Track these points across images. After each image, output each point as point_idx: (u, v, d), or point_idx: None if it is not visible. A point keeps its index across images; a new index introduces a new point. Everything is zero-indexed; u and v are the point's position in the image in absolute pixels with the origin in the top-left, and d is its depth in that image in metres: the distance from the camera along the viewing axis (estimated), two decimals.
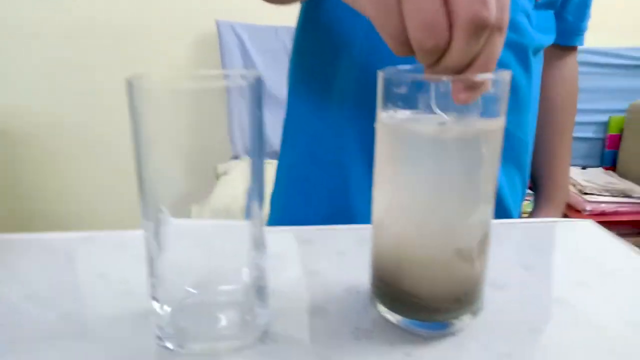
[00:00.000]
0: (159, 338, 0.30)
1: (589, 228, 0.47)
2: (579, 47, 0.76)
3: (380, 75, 0.28)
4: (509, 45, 0.56)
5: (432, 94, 0.27)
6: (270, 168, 0.73)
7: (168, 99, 0.26)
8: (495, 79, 0.27)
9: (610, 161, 1.85)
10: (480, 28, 0.24)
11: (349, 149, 0.57)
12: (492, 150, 0.28)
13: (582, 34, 0.73)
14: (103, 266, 0.40)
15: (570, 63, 0.76)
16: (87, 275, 0.38)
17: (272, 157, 1.82)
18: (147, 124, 0.26)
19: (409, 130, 0.27)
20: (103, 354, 0.29)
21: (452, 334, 0.31)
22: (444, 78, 0.26)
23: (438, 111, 0.27)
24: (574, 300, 0.34)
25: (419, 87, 0.27)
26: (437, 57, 0.25)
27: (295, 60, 0.64)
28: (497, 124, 0.28)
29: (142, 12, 1.72)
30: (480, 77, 0.26)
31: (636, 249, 0.42)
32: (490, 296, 0.35)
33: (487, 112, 0.28)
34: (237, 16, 1.71)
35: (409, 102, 0.28)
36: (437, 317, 0.31)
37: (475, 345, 0.30)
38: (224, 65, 1.70)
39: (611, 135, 1.84)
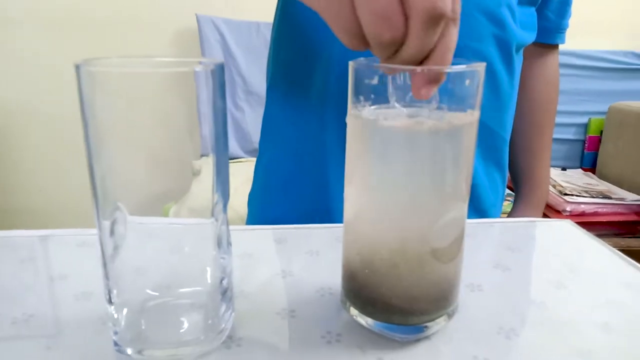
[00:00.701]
0: (116, 344, 0.28)
1: (566, 228, 0.46)
2: (560, 50, 0.76)
3: (351, 66, 0.27)
4: (494, 40, 0.55)
5: (390, 87, 0.25)
6: (252, 166, 0.71)
7: (123, 84, 0.24)
8: (470, 71, 0.26)
9: (589, 163, 1.87)
10: (437, 19, 0.23)
11: (330, 147, 0.56)
12: (467, 145, 0.27)
13: (564, 32, 0.72)
14: (63, 266, 0.38)
15: (551, 61, 0.75)
16: (46, 276, 0.36)
17: (253, 155, 1.80)
18: (99, 112, 0.24)
19: (380, 124, 0.26)
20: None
21: (427, 337, 0.30)
22: (419, 69, 0.25)
23: (397, 105, 0.26)
24: (549, 301, 0.34)
25: (391, 78, 0.26)
26: (394, 50, 0.24)
27: (273, 57, 0.62)
28: (471, 117, 0.27)
29: (121, 5, 1.69)
30: (454, 68, 0.25)
31: (613, 249, 0.41)
32: (466, 297, 0.34)
33: (461, 104, 0.26)
34: (218, 11, 1.69)
35: (380, 94, 0.26)
36: (411, 320, 0.29)
37: (450, 349, 0.29)
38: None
39: (591, 137, 1.86)
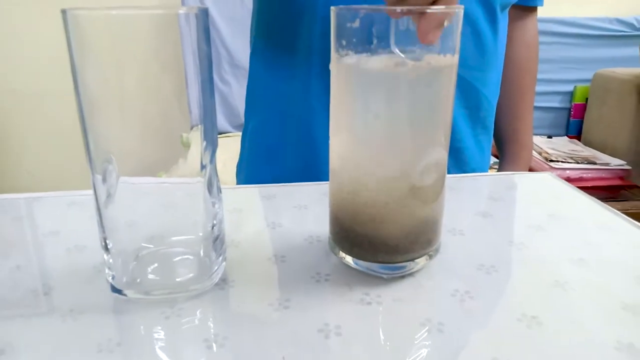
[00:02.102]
0: (114, 287, 0.29)
1: (547, 179, 0.48)
2: (544, 17, 0.76)
3: (333, 12, 0.28)
4: (480, 1, 0.55)
5: (392, 34, 0.26)
6: (240, 141, 0.71)
7: (106, 28, 0.24)
8: (450, 12, 0.27)
9: (575, 130, 1.89)
10: None
11: (316, 108, 0.56)
12: (446, 88, 0.28)
13: None
14: (54, 225, 0.38)
15: (531, 24, 0.76)
16: (38, 233, 0.37)
17: (240, 130, 1.80)
18: (86, 58, 0.25)
19: (361, 68, 0.27)
20: (60, 304, 0.28)
21: (410, 274, 0.31)
22: (398, 9, 0.25)
23: (397, 51, 0.27)
24: (529, 242, 0.35)
25: (371, 22, 0.27)
26: None
27: (256, 22, 0.62)
28: (451, 61, 0.28)
29: None
30: (433, 9, 0.26)
31: (591, 197, 0.43)
32: (449, 241, 0.35)
33: (441, 48, 0.27)
34: None
35: (362, 39, 0.27)
36: (395, 259, 0.31)
37: (431, 284, 0.30)
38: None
39: (576, 105, 1.88)
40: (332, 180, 0.33)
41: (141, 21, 0.24)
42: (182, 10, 0.24)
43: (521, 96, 0.77)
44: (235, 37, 1.66)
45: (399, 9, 0.25)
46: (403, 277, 0.31)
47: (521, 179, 0.49)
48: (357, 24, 0.27)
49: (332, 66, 0.30)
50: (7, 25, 1.67)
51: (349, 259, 0.32)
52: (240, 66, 1.67)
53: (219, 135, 0.31)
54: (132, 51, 0.25)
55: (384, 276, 0.31)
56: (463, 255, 0.34)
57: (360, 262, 0.31)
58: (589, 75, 1.81)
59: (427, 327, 0.27)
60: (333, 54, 0.29)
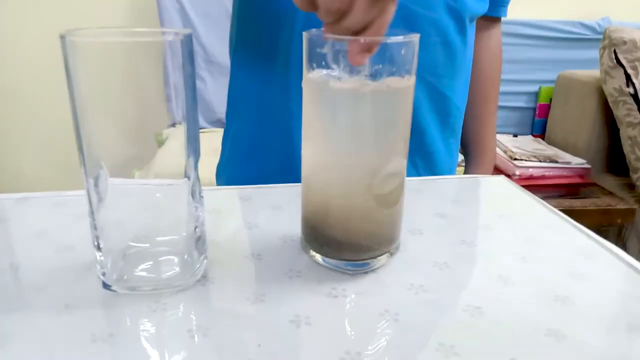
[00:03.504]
0: (104, 284, 0.32)
1: (501, 183, 0.52)
2: (512, 20, 0.81)
3: (305, 36, 0.31)
4: (448, 11, 0.59)
5: (331, 54, 0.30)
6: (215, 137, 0.74)
7: (100, 53, 0.27)
8: (407, 41, 0.30)
9: (540, 129, 1.97)
10: None
11: (295, 113, 0.59)
12: (404, 105, 0.32)
13: (506, 6, 0.77)
14: (42, 225, 0.41)
15: (495, 34, 0.80)
16: (27, 233, 0.39)
17: (216, 126, 1.81)
18: (81, 79, 0.28)
19: (329, 87, 0.30)
20: (55, 299, 0.31)
21: (373, 271, 0.35)
22: (361, 39, 0.29)
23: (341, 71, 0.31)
24: (478, 240, 0.40)
25: (339, 46, 0.30)
26: (337, 18, 0.28)
27: (237, 28, 0.65)
28: (408, 82, 0.31)
29: None
30: (393, 39, 0.29)
31: (538, 198, 0.48)
32: (408, 240, 0.39)
33: (399, 71, 0.31)
34: None
35: (330, 62, 0.30)
36: (359, 257, 0.35)
37: (391, 279, 0.34)
38: (162, 27, 1.65)
39: (541, 105, 1.96)
40: (303, 185, 0.36)
41: (131, 48, 0.27)
42: (169, 38, 0.27)
43: (485, 102, 0.81)
44: (210, 33, 1.67)
45: (361, 39, 0.29)
46: (366, 273, 0.35)
47: (478, 182, 0.53)
48: (325, 49, 0.30)
49: (304, 83, 0.33)
50: None
51: (318, 257, 0.35)
52: (215, 62, 1.68)
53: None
54: (121, 73, 0.28)
55: (349, 272, 0.35)
56: (421, 252, 0.38)
57: (328, 260, 0.35)
58: (553, 76, 1.88)
59: (385, 317, 0.30)
60: (305, 73, 0.33)
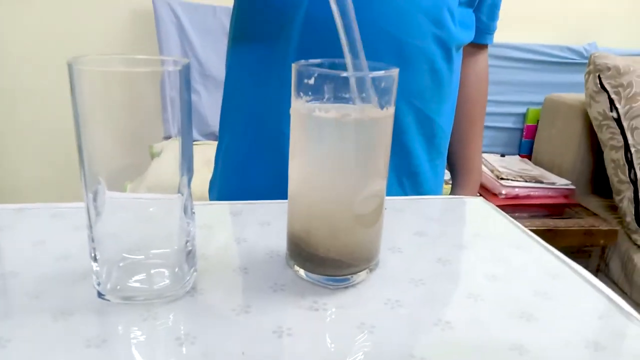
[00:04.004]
0: (99, 293, 0.34)
1: (479, 204, 0.55)
2: (502, 43, 0.83)
3: (294, 68, 0.34)
4: (436, 41, 0.62)
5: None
6: (209, 149, 0.76)
7: (104, 80, 0.30)
8: (387, 75, 0.33)
9: (527, 150, 2.02)
10: None
11: (287, 136, 0.61)
12: (383, 133, 0.34)
13: (493, 34, 0.80)
14: (40, 235, 0.43)
15: (482, 60, 0.83)
16: (23, 243, 0.41)
17: (209, 138, 1.83)
18: (85, 103, 0.30)
19: (315, 116, 0.33)
20: (51, 306, 0.33)
21: (353, 286, 0.37)
22: (344, 74, 0.32)
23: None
24: (452, 259, 0.42)
25: (324, 78, 0.33)
26: None
27: (233, 41, 0.67)
28: (387, 112, 0.34)
29: None
30: (374, 73, 0.32)
31: (511, 218, 0.50)
32: (388, 257, 0.42)
33: (379, 101, 0.34)
34: None
35: (316, 90, 0.33)
36: (340, 272, 0.37)
37: (370, 294, 0.37)
38: (160, 43, 1.68)
39: (528, 126, 2.01)
40: (289, 203, 0.38)
41: (133, 76, 0.30)
42: (169, 68, 0.30)
43: (471, 125, 0.84)
44: (206, 48, 1.70)
45: (344, 74, 0.31)
46: (347, 287, 0.37)
47: (458, 203, 0.56)
48: (312, 81, 0.33)
49: (292, 110, 0.36)
50: None
51: (301, 272, 0.38)
52: (211, 76, 1.71)
53: None
54: (122, 96, 0.31)
55: (331, 287, 0.37)
56: (399, 269, 0.40)
57: (311, 275, 0.37)
58: (540, 98, 1.94)
59: (362, 330, 0.33)
60: (293, 100, 0.35)
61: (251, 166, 0.66)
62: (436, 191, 0.73)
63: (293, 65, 0.34)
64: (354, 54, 0.33)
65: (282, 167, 0.66)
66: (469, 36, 0.70)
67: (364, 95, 0.33)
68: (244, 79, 0.66)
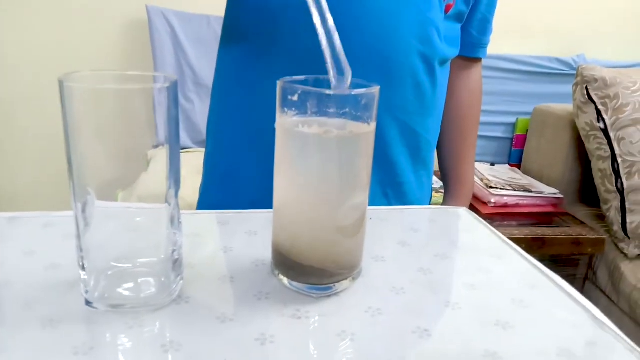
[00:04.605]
0: (87, 301, 0.35)
1: (461, 213, 0.57)
2: (492, 54, 0.83)
3: (278, 85, 0.35)
4: (419, 56, 0.63)
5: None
6: (200, 157, 0.77)
7: (94, 97, 0.31)
8: (367, 93, 0.34)
9: (516, 159, 2.04)
10: None
11: (272, 149, 0.62)
12: (366, 148, 0.36)
13: (485, 47, 0.81)
14: (31, 244, 0.43)
15: (474, 73, 0.83)
16: (14, 252, 0.42)
17: (201, 146, 1.84)
18: (75, 118, 0.31)
19: (299, 131, 0.34)
20: (40, 314, 0.34)
21: (335, 294, 0.38)
22: (327, 92, 0.33)
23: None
24: (433, 268, 0.43)
25: (308, 95, 0.34)
26: None
27: (222, 42, 0.68)
28: (369, 128, 0.35)
29: None
30: (356, 91, 0.33)
31: (492, 228, 0.52)
32: (370, 266, 0.43)
33: (361, 117, 0.35)
34: (168, 3, 1.71)
35: (300, 106, 0.34)
36: (323, 281, 0.38)
37: (352, 302, 0.38)
38: (154, 52, 1.69)
39: (518, 136, 2.03)
40: (275, 215, 0.40)
41: (122, 93, 0.31)
42: (158, 85, 0.31)
43: (463, 139, 0.85)
44: (200, 57, 1.71)
45: (327, 91, 0.33)
46: (329, 296, 0.38)
47: (441, 213, 0.58)
48: (295, 97, 0.34)
49: (277, 125, 0.37)
50: None
51: (285, 281, 0.39)
52: (204, 85, 1.72)
53: (180, 151, 0.37)
54: (114, 111, 0.32)
55: (314, 295, 0.38)
56: (381, 278, 0.41)
57: (294, 284, 0.38)
58: (530, 108, 1.96)
59: (342, 338, 0.34)
60: (278, 116, 0.36)
61: (235, 171, 0.67)
62: (422, 201, 0.74)
63: (278, 82, 0.35)
64: (335, 59, 0.34)
65: (268, 173, 0.67)
66: (453, 51, 0.71)
67: (346, 110, 0.35)
68: (230, 80, 0.67)
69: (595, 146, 1.59)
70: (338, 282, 0.38)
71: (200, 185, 0.75)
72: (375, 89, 0.35)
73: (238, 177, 0.67)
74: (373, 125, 0.36)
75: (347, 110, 0.35)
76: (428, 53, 0.63)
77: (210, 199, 0.71)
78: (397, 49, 0.61)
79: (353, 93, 0.33)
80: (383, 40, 0.60)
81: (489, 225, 0.53)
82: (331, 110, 0.34)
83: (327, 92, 0.32)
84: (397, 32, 0.60)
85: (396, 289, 0.40)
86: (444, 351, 0.33)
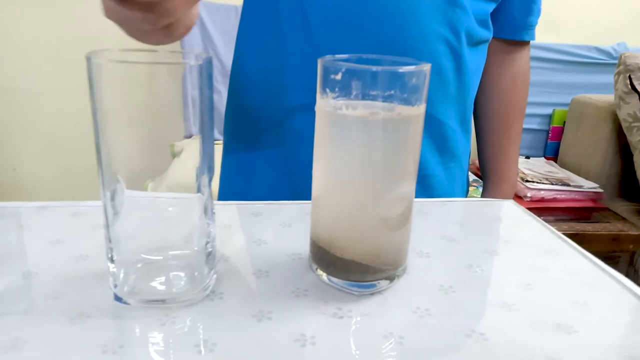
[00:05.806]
0: (116, 296, 0.33)
1: (508, 206, 0.53)
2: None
3: (320, 63, 0.32)
4: (441, 40, 0.58)
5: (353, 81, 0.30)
6: None
7: (123, 74, 0.28)
8: (416, 70, 0.31)
9: (552, 152, 1.97)
10: None
11: (295, 133, 0.60)
12: (414, 132, 0.33)
13: (531, 29, 0.73)
14: (59, 234, 0.42)
15: (520, 58, 0.76)
16: (42, 241, 0.41)
17: None
18: (104, 99, 0.29)
19: (342, 114, 0.31)
20: (68, 308, 0.32)
21: (379, 292, 0.36)
22: (374, 68, 0.30)
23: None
24: (484, 265, 0.40)
25: (352, 74, 0.31)
26: None
27: (240, 28, 0.67)
28: (418, 110, 0.32)
29: None
30: (404, 68, 0.30)
31: (544, 222, 0.48)
32: (415, 262, 0.40)
33: (409, 99, 0.32)
34: None
35: (343, 88, 0.31)
36: (365, 278, 0.35)
37: (397, 301, 0.35)
38: (182, 42, 1.68)
39: (554, 127, 1.96)
40: (313, 205, 0.37)
41: (153, 70, 0.28)
42: (191, 62, 0.28)
43: (505, 130, 0.78)
44: (227, 48, 1.70)
45: (374, 68, 0.30)
46: (372, 294, 0.35)
47: (485, 206, 0.54)
48: (339, 76, 0.31)
49: (317, 108, 0.34)
50: None
51: (324, 277, 0.36)
52: None
53: None
54: (142, 91, 0.30)
55: (355, 293, 0.35)
56: (427, 276, 0.38)
57: (335, 280, 0.35)
58: (567, 99, 1.88)
59: (389, 340, 0.31)
60: (318, 98, 0.34)
61: (250, 164, 0.65)
62: (452, 195, 0.69)
63: (319, 60, 0.32)
64: None
65: (289, 171, 0.65)
66: (485, 33, 0.65)
67: (392, 92, 0.32)
68: (248, 66, 0.65)
69: (638, 138, 1.51)
70: (381, 279, 0.35)
71: (220, 177, 0.73)
72: (427, 66, 0.31)
73: (254, 168, 0.65)
74: (423, 108, 0.33)
75: (394, 92, 0.31)
76: (451, 37, 0.59)
77: (230, 187, 0.69)
78: (413, 33, 0.56)
79: (402, 70, 0.30)
80: (398, 24, 0.56)
81: (541, 220, 0.49)
82: (376, 92, 0.31)
83: (375, 68, 0.29)
84: (415, 15, 0.56)
85: (444, 287, 0.37)
86: (503, 357, 0.30)
